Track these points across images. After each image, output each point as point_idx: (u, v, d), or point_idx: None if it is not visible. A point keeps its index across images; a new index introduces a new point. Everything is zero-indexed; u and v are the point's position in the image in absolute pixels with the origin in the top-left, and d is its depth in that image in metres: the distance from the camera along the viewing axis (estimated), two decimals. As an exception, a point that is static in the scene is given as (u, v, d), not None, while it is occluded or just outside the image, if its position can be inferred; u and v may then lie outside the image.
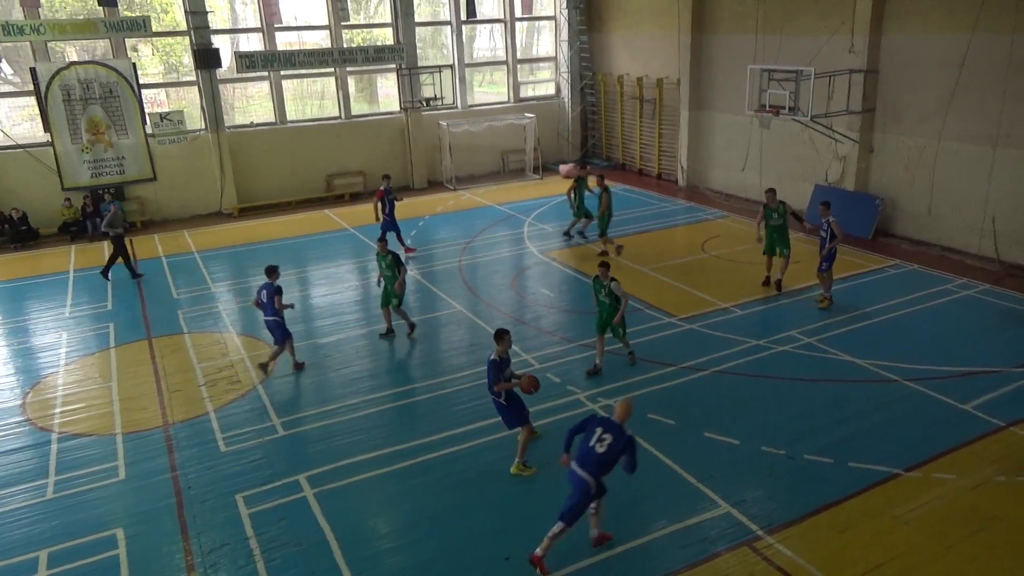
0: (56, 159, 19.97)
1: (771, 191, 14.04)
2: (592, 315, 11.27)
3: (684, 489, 8.31)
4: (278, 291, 11.29)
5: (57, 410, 10.82)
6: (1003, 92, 14.64)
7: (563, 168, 25.13)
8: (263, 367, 11.55)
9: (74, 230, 20.07)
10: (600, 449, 6.89)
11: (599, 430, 6.99)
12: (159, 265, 17.44)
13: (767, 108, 16.75)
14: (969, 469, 8.45)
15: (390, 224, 16.59)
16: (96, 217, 20.17)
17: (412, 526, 7.96)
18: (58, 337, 13.49)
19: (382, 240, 12.71)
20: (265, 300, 11.32)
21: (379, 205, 16.64)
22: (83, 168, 20.31)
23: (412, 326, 12.83)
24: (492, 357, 8.46)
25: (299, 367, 11.71)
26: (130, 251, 16.95)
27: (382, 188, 16.70)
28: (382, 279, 12.53)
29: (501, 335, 8.48)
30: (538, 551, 7.07)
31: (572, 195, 17.11)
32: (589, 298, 14.01)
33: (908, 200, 16.83)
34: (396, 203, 16.82)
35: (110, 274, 16.30)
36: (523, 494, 8.41)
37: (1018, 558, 7.13)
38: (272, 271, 11.50)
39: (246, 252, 17.96)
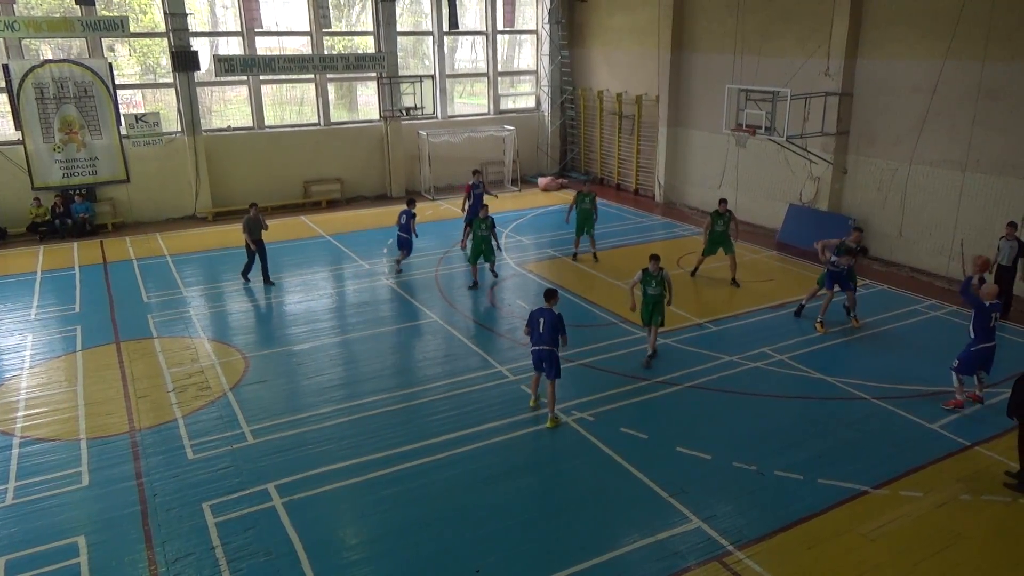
0: (27, 158, 19.63)
1: (861, 230, 14.30)
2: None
3: (655, 503, 8.33)
4: (414, 216, 16.06)
5: (20, 413, 10.58)
6: (973, 118, 14.99)
7: (542, 181, 25.23)
8: (399, 270, 16.29)
9: (43, 230, 19.71)
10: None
11: (996, 315, 9.86)
12: (130, 268, 17.19)
13: (744, 127, 16.98)
14: (935, 487, 8.57)
15: (472, 213, 17.08)
16: (66, 218, 19.87)
17: (383, 537, 7.87)
18: (23, 339, 13.21)
19: (483, 206, 15.83)
20: (404, 221, 15.94)
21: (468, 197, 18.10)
22: (54, 168, 19.97)
23: (476, 284, 15.26)
24: (558, 312, 9.80)
25: (399, 271, 16.21)
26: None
27: (470, 183, 18.19)
28: (468, 243, 15.50)
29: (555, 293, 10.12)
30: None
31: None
32: (564, 311, 14.09)
33: (880, 221, 17.12)
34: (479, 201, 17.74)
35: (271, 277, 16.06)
36: (495, 505, 8.37)
37: (982, 576, 7.23)
38: (412, 202, 16.37)
39: (220, 257, 17.75)
